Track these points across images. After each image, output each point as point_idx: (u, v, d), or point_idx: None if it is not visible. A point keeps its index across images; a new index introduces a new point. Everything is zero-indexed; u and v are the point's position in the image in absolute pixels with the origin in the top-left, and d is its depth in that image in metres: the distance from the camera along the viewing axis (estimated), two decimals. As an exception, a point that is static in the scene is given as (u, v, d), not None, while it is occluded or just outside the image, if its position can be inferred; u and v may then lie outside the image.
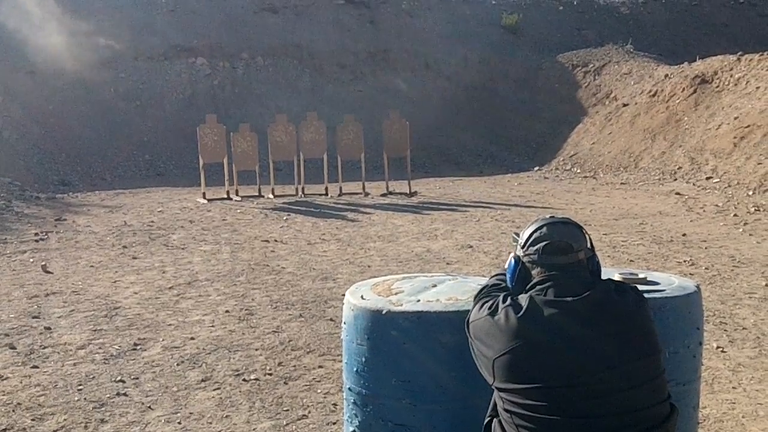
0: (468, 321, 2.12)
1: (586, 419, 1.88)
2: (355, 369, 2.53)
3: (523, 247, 2.08)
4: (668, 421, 1.99)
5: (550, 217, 2.14)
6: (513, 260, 2.11)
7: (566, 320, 1.93)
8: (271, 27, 18.97)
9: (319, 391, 4.17)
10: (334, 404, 3.92)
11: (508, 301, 2.02)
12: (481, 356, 2.04)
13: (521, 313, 1.95)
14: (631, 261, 7.15)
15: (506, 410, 1.96)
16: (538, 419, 1.89)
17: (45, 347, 4.93)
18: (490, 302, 2.07)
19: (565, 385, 1.89)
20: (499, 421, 2.03)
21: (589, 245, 2.08)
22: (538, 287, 2.01)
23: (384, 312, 2.44)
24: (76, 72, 16.65)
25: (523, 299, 2.00)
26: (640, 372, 1.94)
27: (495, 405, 2.07)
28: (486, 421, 2.13)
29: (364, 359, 2.49)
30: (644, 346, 1.98)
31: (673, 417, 2.01)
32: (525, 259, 2.07)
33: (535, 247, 2.04)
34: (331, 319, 5.43)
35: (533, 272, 2.05)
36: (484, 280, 2.82)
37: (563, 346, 1.90)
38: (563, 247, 2.03)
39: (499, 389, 1.99)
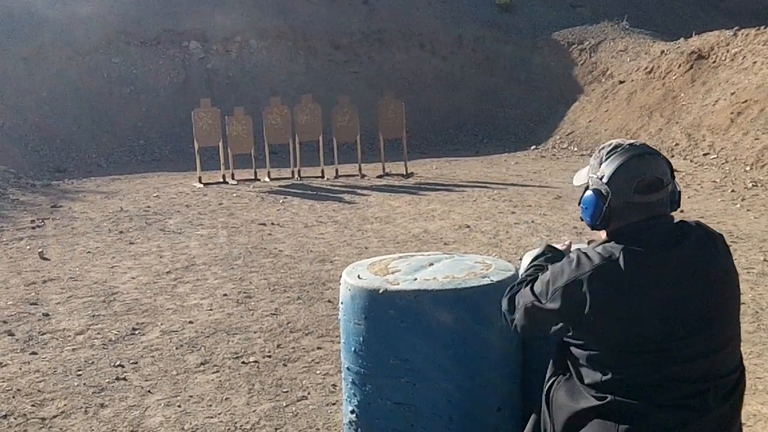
0: (539, 293, 1.94)
1: (672, 383, 1.81)
2: (353, 349, 2.53)
3: (608, 183, 1.90)
4: (739, 386, 1.93)
5: (630, 145, 1.93)
6: (593, 195, 1.93)
7: (661, 278, 1.81)
8: (265, 9, 18.81)
9: (318, 372, 4.17)
10: (334, 385, 3.93)
11: (597, 259, 1.84)
12: (564, 318, 1.89)
13: (620, 271, 1.81)
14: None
15: (588, 369, 1.87)
16: (623, 381, 1.82)
17: (43, 333, 4.92)
18: (566, 269, 1.89)
19: (654, 350, 1.80)
20: (567, 380, 1.95)
21: (670, 175, 1.94)
22: (627, 235, 1.87)
23: (381, 291, 2.43)
24: (69, 58, 16.53)
25: (615, 252, 1.83)
26: (724, 333, 1.87)
27: (556, 365, 1.98)
28: (547, 386, 2.04)
29: (361, 339, 2.49)
30: (731, 305, 1.90)
31: (744, 381, 1.95)
32: (612, 197, 1.89)
33: (626, 185, 1.87)
34: (329, 301, 5.43)
35: (620, 211, 1.89)
36: (480, 258, 2.81)
37: (658, 308, 1.80)
38: (655, 184, 1.88)
39: (583, 348, 1.88)
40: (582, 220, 2.04)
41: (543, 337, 2.47)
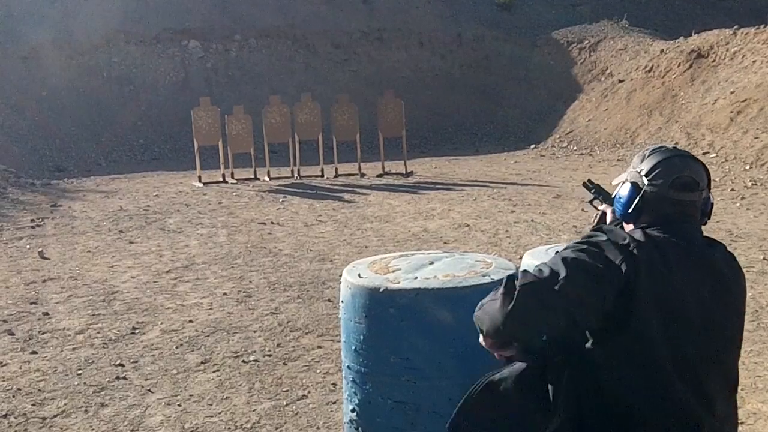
0: (553, 270, 1.79)
1: (683, 390, 1.82)
2: (353, 347, 2.53)
3: (646, 175, 1.94)
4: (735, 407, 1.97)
5: (673, 148, 1.99)
6: (630, 186, 1.97)
7: (701, 274, 1.84)
8: (264, 8, 18.80)
9: (318, 371, 4.18)
10: (334, 384, 3.93)
11: (638, 235, 1.85)
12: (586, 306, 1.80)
13: (665, 254, 1.82)
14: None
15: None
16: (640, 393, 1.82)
17: (43, 333, 4.92)
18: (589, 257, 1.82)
19: (675, 348, 1.81)
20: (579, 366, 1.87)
21: (707, 183, 1.97)
22: (661, 225, 1.89)
23: (381, 290, 2.43)
24: (69, 57, 16.52)
25: (656, 236, 1.84)
26: (735, 343, 1.93)
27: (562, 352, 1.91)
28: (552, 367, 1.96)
29: (362, 337, 2.49)
30: (742, 321, 1.98)
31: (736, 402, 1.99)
32: (648, 189, 1.92)
33: (663, 179, 1.91)
34: (329, 300, 5.43)
35: (653, 204, 1.91)
36: (480, 256, 2.82)
37: (693, 305, 1.82)
38: (691, 184, 1.92)
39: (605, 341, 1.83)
40: (613, 212, 2.10)
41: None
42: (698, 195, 1.93)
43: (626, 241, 1.84)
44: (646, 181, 1.93)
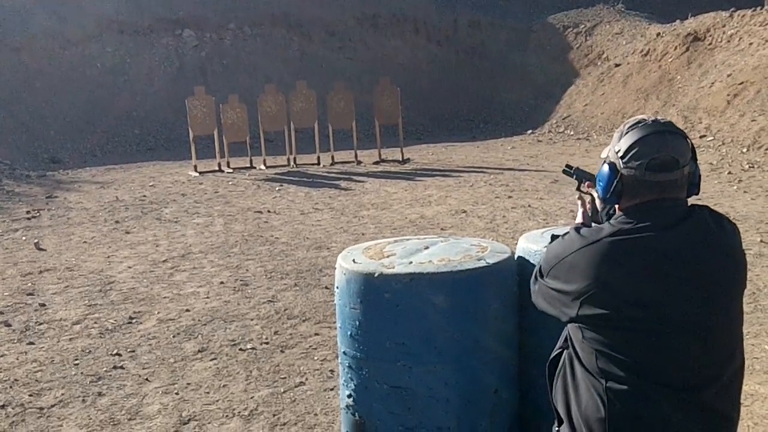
0: (542, 268, 1.95)
1: (665, 368, 1.79)
2: (349, 333, 2.52)
3: (622, 157, 1.86)
4: (738, 379, 1.94)
5: (653, 121, 1.88)
6: (608, 169, 1.90)
7: (659, 257, 1.79)
8: (258, -4, 18.70)
9: (315, 358, 4.17)
10: (331, 370, 3.93)
11: (590, 236, 1.84)
12: (560, 295, 1.87)
13: (606, 253, 1.80)
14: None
15: (593, 347, 1.85)
16: (617, 365, 1.80)
17: (40, 324, 4.91)
18: (562, 245, 1.90)
19: (649, 331, 1.79)
20: (571, 354, 1.91)
21: (691, 155, 1.88)
22: (629, 215, 1.85)
23: (376, 275, 2.41)
24: (62, 48, 16.43)
25: (615, 229, 1.83)
26: (720, 316, 1.87)
27: (567, 338, 1.94)
28: (555, 353, 2.02)
29: (358, 323, 2.48)
30: (731, 288, 1.90)
31: (742, 375, 1.97)
32: (624, 172, 1.85)
33: (639, 162, 1.82)
34: (326, 287, 5.42)
35: (631, 187, 1.86)
36: (476, 240, 2.80)
37: (653, 287, 1.78)
38: (669, 163, 1.82)
39: (580, 327, 1.85)
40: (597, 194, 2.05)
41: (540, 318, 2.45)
42: (679, 173, 1.84)
43: (588, 250, 1.83)
44: (622, 164, 1.87)
